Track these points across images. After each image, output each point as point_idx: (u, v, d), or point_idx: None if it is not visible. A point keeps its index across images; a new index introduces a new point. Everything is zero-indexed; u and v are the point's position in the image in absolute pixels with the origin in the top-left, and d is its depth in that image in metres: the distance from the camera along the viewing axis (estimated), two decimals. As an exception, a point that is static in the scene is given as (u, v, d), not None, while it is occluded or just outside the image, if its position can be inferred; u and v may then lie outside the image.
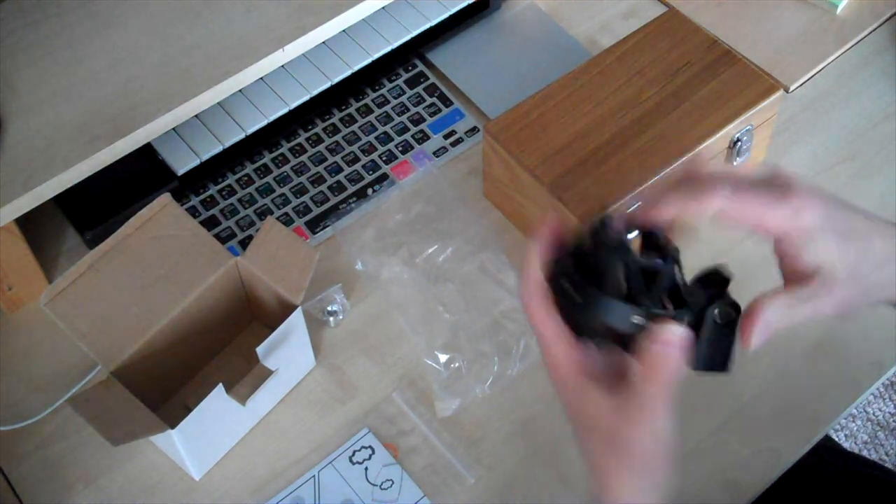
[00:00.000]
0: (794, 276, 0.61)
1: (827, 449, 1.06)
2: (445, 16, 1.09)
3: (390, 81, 1.10)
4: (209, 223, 0.99)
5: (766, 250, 1.01)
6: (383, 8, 1.04)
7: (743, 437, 0.86)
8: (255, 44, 0.94)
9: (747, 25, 1.14)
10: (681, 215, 0.60)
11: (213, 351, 0.90)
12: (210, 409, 0.78)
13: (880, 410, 1.82)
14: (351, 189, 1.02)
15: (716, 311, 0.58)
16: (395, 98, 1.09)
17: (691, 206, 0.59)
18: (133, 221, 0.84)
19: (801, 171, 1.03)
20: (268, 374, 0.81)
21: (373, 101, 1.09)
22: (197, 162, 0.99)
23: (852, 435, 1.80)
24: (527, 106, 0.96)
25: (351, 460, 0.85)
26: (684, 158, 0.92)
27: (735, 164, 0.98)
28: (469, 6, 1.11)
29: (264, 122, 1.01)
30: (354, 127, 1.07)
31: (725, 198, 0.59)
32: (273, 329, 0.81)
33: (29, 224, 0.91)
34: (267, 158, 1.04)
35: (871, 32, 1.14)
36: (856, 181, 1.02)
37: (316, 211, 1.00)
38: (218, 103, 0.97)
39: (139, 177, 0.98)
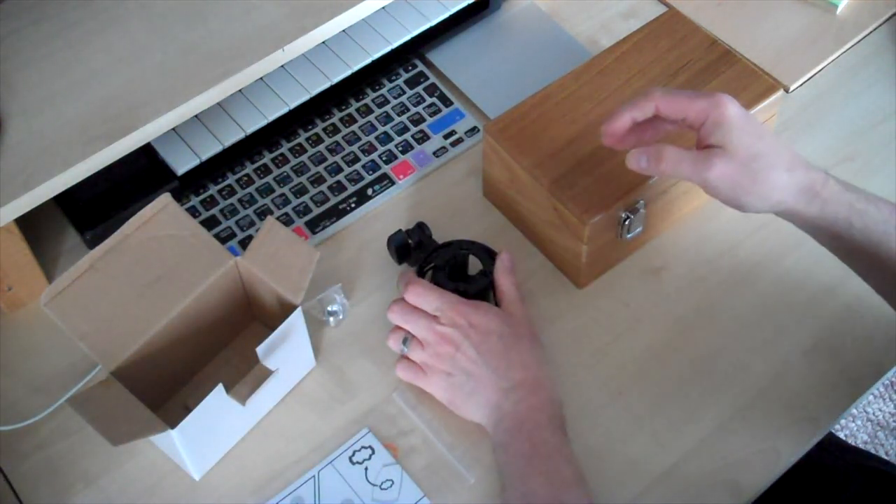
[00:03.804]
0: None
1: (834, 444, 1.06)
2: (445, 16, 1.09)
3: (390, 81, 1.10)
4: (209, 223, 0.99)
5: (766, 249, 1.01)
6: (383, 8, 1.04)
7: (743, 437, 0.86)
8: (255, 44, 0.94)
9: (747, 25, 1.14)
10: (632, 120, 0.79)
11: (213, 351, 0.90)
12: (210, 409, 0.78)
13: (880, 410, 1.82)
14: (351, 189, 1.02)
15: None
16: (395, 98, 1.09)
17: (636, 110, 0.78)
18: (133, 221, 0.83)
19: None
20: (268, 374, 0.81)
21: (373, 101, 1.09)
22: (197, 162, 0.99)
23: (852, 435, 1.80)
24: (527, 106, 0.96)
25: (351, 460, 0.85)
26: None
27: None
28: (469, 6, 1.11)
29: (264, 122, 1.01)
30: (354, 127, 1.07)
31: (660, 97, 0.77)
32: (273, 329, 0.81)
33: (29, 224, 0.91)
34: (267, 158, 1.04)
35: (871, 32, 1.14)
36: (856, 181, 1.01)
37: (316, 211, 1.00)
38: (218, 103, 0.97)
39: (139, 177, 0.98)
